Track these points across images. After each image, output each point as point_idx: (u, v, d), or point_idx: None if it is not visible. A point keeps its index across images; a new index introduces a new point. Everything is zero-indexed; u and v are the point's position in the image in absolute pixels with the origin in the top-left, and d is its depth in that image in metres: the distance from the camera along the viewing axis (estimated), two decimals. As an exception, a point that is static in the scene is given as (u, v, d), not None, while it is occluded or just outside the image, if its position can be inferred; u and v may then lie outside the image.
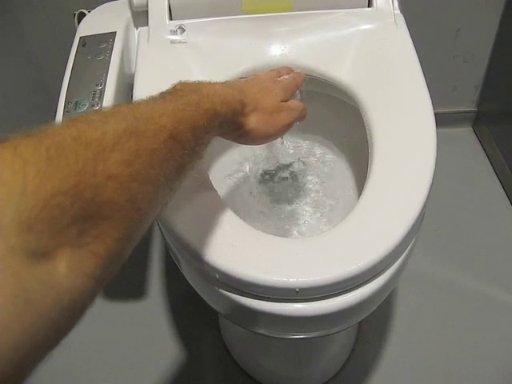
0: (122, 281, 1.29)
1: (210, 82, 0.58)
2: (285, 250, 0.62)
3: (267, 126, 0.63)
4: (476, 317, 1.19)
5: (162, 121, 0.44)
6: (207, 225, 0.65)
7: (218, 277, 0.62)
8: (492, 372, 1.11)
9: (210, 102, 0.52)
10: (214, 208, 0.67)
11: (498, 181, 1.44)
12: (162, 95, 0.52)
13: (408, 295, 1.22)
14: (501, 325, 1.17)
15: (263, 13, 0.89)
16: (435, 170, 0.71)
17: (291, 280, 0.59)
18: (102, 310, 1.24)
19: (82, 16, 1.04)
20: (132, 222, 0.40)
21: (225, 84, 0.61)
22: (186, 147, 0.47)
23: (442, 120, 1.48)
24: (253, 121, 0.61)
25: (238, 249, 0.62)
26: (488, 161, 1.49)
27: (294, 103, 0.69)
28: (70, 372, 1.15)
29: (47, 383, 1.11)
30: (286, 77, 0.74)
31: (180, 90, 0.53)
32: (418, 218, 0.66)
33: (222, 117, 0.54)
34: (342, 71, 0.84)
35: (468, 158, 1.51)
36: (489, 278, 1.25)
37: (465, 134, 1.56)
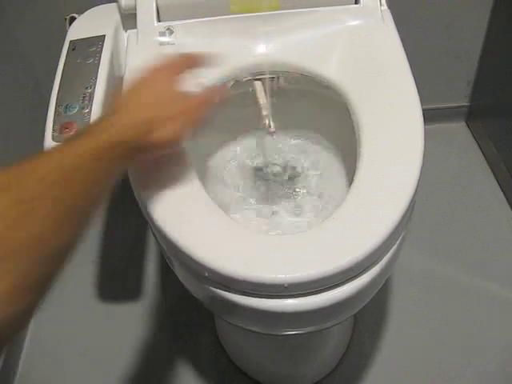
0: (118, 281, 1.30)
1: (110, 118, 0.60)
2: (273, 247, 0.63)
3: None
4: (472, 313, 1.19)
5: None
6: (195, 223, 0.66)
7: (207, 274, 0.63)
8: (489, 368, 1.11)
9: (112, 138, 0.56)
10: (203, 206, 0.68)
11: (492, 175, 1.44)
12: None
13: (403, 293, 1.23)
14: (497, 321, 1.18)
15: (251, 12, 0.89)
16: (423, 164, 0.71)
17: (279, 276, 0.60)
18: (98, 310, 1.24)
19: (73, 20, 1.04)
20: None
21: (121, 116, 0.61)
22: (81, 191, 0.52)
23: (435, 115, 1.50)
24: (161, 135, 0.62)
25: (227, 245, 0.63)
26: (482, 155, 1.49)
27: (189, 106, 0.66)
28: (65, 371, 1.16)
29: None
30: (196, 96, 0.68)
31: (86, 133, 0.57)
32: (406, 213, 0.67)
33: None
34: (330, 68, 0.84)
35: (462, 153, 1.51)
36: (485, 274, 1.25)
37: (458, 129, 1.57)
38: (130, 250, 1.35)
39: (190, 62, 0.70)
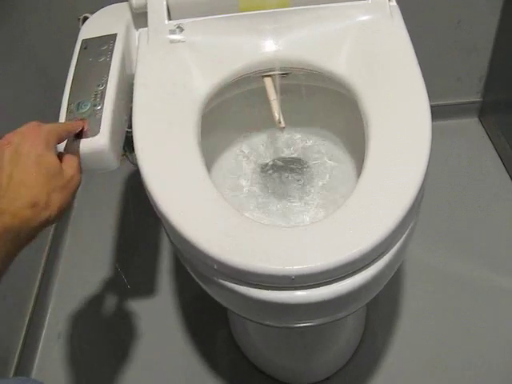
0: (133, 278, 1.31)
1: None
2: (281, 238, 0.64)
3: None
4: (485, 308, 1.19)
5: None
6: (204, 216, 0.66)
7: (215, 267, 0.64)
8: (501, 361, 1.11)
9: None
10: (212, 201, 0.68)
11: (504, 170, 1.44)
12: None
13: (416, 287, 1.23)
14: (509, 315, 1.17)
15: (260, 9, 0.90)
16: (430, 158, 0.71)
17: (287, 268, 0.61)
18: (113, 307, 1.26)
19: (86, 20, 1.06)
20: None
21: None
22: None
23: (447, 111, 1.50)
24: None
25: (235, 238, 0.63)
26: (495, 151, 1.49)
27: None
28: (79, 363, 1.18)
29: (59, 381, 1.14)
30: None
31: None
32: (413, 205, 0.67)
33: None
34: (339, 64, 0.85)
35: (474, 149, 1.51)
36: (498, 270, 1.25)
37: (471, 125, 1.56)
38: (143, 248, 1.36)
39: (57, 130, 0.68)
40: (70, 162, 0.66)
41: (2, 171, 0.59)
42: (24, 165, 0.60)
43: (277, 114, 0.88)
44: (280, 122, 0.87)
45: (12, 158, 0.60)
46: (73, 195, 0.65)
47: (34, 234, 0.60)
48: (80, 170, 0.68)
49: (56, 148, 0.66)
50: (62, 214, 0.63)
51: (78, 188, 0.66)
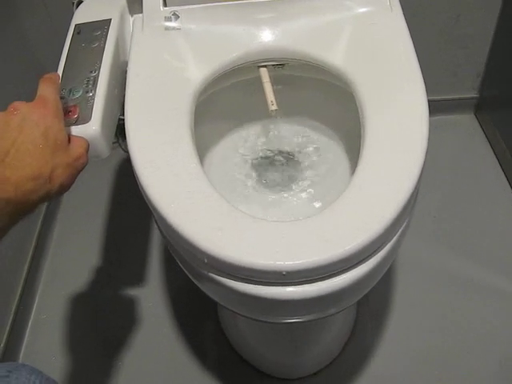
0: (122, 268, 1.30)
1: None
2: (272, 233, 0.62)
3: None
4: (475, 304, 1.19)
5: None
6: (195, 208, 0.65)
7: (206, 260, 0.63)
8: (491, 359, 1.11)
9: None
10: (202, 192, 0.67)
11: (499, 167, 1.44)
12: None
13: (407, 282, 1.22)
14: (500, 313, 1.17)
15: (257, -2, 0.89)
16: (427, 153, 0.70)
17: (278, 263, 0.60)
18: (101, 297, 1.25)
19: (80, 4, 1.04)
20: None
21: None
22: None
23: (443, 106, 1.49)
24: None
25: (226, 232, 0.62)
26: (490, 147, 1.48)
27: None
28: (67, 355, 1.16)
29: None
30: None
31: None
32: (408, 201, 0.66)
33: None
34: (336, 56, 0.84)
35: (470, 145, 1.50)
36: (489, 266, 1.25)
37: (467, 121, 1.56)
38: (133, 238, 1.35)
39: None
40: (79, 142, 0.65)
41: (9, 138, 0.57)
42: (31, 135, 0.58)
43: (269, 95, 0.87)
44: (273, 104, 0.86)
45: (19, 125, 0.58)
46: (76, 175, 0.63)
47: (31, 209, 0.58)
48: (87, 151, 0.66)
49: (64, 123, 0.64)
50: (62, 193, 0.61)
51: (82, 169, 0.64)
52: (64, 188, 0.61)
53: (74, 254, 1.34)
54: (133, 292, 1.25)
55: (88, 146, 0.67)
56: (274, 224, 0.64)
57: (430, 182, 1.35)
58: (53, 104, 0.63)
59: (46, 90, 0.65)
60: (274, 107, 0.86)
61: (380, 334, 1.14)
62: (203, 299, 1.17)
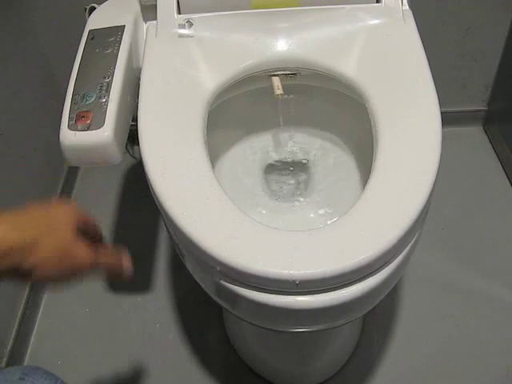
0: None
1: None
2: (285, 243, 0.62)
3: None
4: (482, 317, 1.18)
5: None
6: (208, 216, 0.65)
7: (218, 268, 0.63)
8: (496, 372, 1.10)
9: None
10: (216, 200, 0.67)
11: (507, 180, 1.43)
12: None
13: (413, 293, 1.22)
14: (509, 325, 1.17)
15: (271, 8, 0.89)
16: (439, 166, 0.70)
17: (291, 272, 0.60)
18: (107, 303, 1.24)
19: (92, 10, 1.04)
20: None
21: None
22: None
23: (452, 119, 1.49)
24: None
25: (239, 240, 0.62)
26: (498, 160, 1.48)
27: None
28: (70, 362, 1.16)
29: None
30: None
31: None
32: (421, 213, 0.66)
33: None
34: (349, 66, 0.84)
35: (478, 157, 1.50)
36: (497, 278, 1.24)
37: (475, 133, 1.56)
38: (141, 242, 1.35)
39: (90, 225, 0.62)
40: (94, 253, 0.58)
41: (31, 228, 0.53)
42: (49, 245, 0.53)
43: (275, 82, 0.88)
44: (278, 88, 0.87)
45: (41, 224, 0.54)
46: (63, 271, 0.55)
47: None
48: (94, 266, 0.59)
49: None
50: (39, 279, 0.54)
51: (74, 276, 0.57)
52: (44, 274, 0.53)
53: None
54: (139, 298, 1.25)
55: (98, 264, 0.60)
56: (287, 233, 0.64)
57: (437, 193, 1.34)
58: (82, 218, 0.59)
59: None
60: (279, 91, 0.87)
61: (386, 345, 1.14)
62: (209, 306, 1.18)
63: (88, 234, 0.60)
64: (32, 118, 1.28)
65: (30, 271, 0.51)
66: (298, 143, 1.01)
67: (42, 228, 0.53)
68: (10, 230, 0.50)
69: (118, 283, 1.27)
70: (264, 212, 0.93)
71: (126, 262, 0.65)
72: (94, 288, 1.27)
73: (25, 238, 0.51)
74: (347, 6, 0.89)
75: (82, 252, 0.56)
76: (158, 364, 1.14)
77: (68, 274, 0.55)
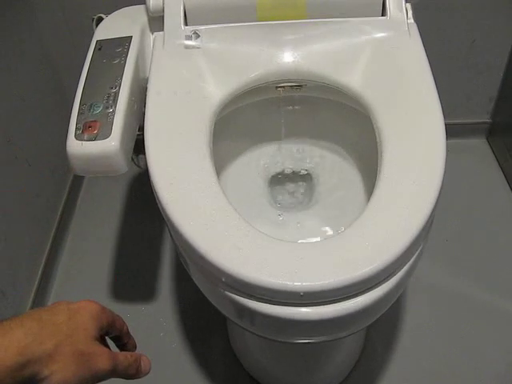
0: (132, 283, 1.30)
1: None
2: (291, 254, 0.63)
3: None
4: (485, 329, 1.18)
5: None
6: (214, 227, 0.66)
7: (223, 279, 0.63)
8: (499, 382, 1.10)
9: None
10: (222, 211, 0.68)
11: (511, 192, 1.43)
12: None
13: (417, 305, 1.22)
14: (510, 338, 1.17)
15: (277, 20, 0.90)
16: (444, 179, 0.71)
17: (296, 284, 0.60)
18: (110, 310, 1.24)
19: (100, 21, 1.05)
20: None
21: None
22: None
23: (456, 131, 1.50)
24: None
25: (244, 251, 0.63)
26: (502, 172, 1.48)
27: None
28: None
29: None
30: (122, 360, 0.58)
31: None
32: (425, 226, 0.66)
33: None
34: (354, 79, 0.84)
35: (482, 170, 1.50)
36: (500, 291, 1.24)
37: (479, 146, 1.56)
38: (145, 252, 1.35)
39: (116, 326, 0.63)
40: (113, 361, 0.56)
41: (53, 329, 0.51)
42: (67, 353, 0.50)
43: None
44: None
45: (63, 331, 0.52)
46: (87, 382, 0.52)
47: None
48: (112, 372, 0.56)
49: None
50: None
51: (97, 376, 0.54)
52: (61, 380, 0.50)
53: (84, 267, 1.34)
54: (143, 307, 1.25)
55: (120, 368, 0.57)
56: (292, 245, 0.64)
57: (441, 205, 1.35)
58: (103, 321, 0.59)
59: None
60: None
61: (389, 355, 1.14)
62: (213, 315, 1.18)
63: (113, 333, 0.61)
64: (39, 126, 1.29)
65: (47, 378, 0.49)
66: (302, 154, 1.02)
67: (63, 335, 0.51)
68: (30, 342, 0.48)
69: (120, 290, 1.27)
70: (268, 223, 0.93)
71: (146, 368, 0.64)
72: (97, 297, 1.27)
73: (45, 349, 0.48)
74: (353, 19, 0.90)
75: (101, 359, 0.54)
76: (161, 373, 1.14)
77: (86, 380, 0.52)
